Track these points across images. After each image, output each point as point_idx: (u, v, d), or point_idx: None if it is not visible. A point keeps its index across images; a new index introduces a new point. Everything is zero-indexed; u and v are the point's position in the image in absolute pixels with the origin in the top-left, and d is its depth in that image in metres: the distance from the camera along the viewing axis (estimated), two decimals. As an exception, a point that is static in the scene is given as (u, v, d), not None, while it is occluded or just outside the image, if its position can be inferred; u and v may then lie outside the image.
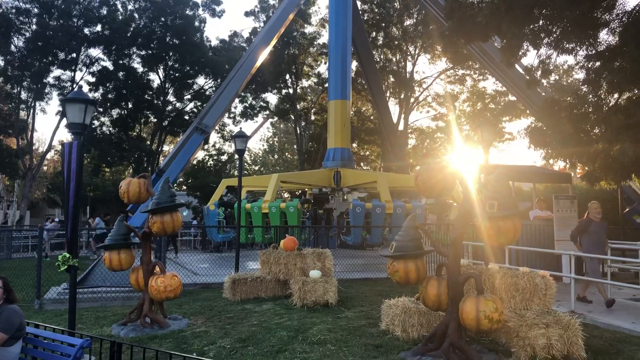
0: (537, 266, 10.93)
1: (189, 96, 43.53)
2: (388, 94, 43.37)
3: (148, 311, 8.91)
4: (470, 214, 6.64)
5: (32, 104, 36.96)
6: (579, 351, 6.60)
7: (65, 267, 7.19)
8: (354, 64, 37.44)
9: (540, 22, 11.27)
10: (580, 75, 11.74)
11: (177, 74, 41.73)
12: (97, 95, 39.63)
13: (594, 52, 11.08)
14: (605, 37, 11.35)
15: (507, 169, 13.78)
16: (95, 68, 39.70)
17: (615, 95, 11.36)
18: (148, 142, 43.40)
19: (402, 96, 44.44)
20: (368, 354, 7.01)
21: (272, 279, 11.56)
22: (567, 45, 11.37)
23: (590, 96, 11.50)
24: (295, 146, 50.63)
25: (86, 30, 38.08)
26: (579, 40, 11.06)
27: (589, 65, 11.25)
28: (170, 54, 40.79)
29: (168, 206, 8.71)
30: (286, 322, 8.94)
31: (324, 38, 43.15)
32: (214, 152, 46.94)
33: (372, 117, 45.79)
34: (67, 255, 7.21)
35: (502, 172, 6.83)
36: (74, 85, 38.19)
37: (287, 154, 59.04)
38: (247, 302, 10.99)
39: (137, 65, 41.30)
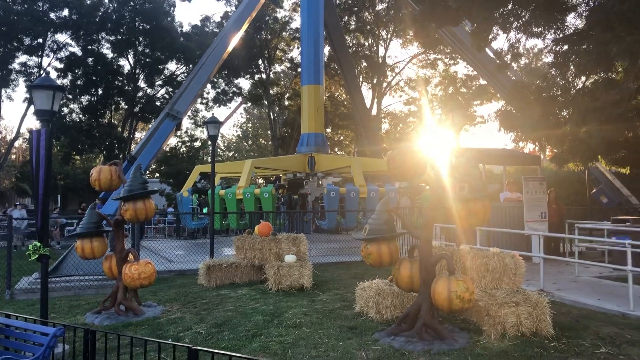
0: (507, 247, 11.17)
1: (160, 82, 42.87)
2: (361, 79, 43.42)
3: (122, 299, 8.87)
4: (442, 196, 6.76)
5: (-2, 91, 36.04)
6: (547, 328, 6.80)
7: (36, 256, 7.10)
8: (326, 49, 37.32)
9: (510, 6, 11.38)
10: (548, 58, 11.92)
11: (147, 60, 41.02)
12: (66, 81, 38.72)
13: (561, 35, 11.25)
14: (573, 21, 11.59)
15: (478, 152, 13.98)
16: (63, 54, 38.83)
17: (582, 79, 11.58)
18: (119, 129, 42.72)
19: (375, 81, 44.53)
20: (343, 335, 7.11)
21: (247, 265, 11.58)
22: (536, 29, 11.51)
23: (558, 79, 11.70)
24: (269, 132, 50.43)
25: (52, 15, 37.12)
26: (547, 24, 11.21)
27: (557, 49, 11.43)
28: (140, 39, 40.07)
29: (140, 193, 8.64)
30: (262, 307, 8.99)
31: (297, 23, 42.87)
32: (186, 139, 46.45)
33: (345, 102, 45.82)
34: (38, 244, 7.11)
35: (472, 155, 6.97)
36: (41, 72, 37.31)
37: (261, 139, 58.77)
38: (223, 287, 11.00)
39: (107, 50, 40.50)
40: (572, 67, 11.25)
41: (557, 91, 11.71)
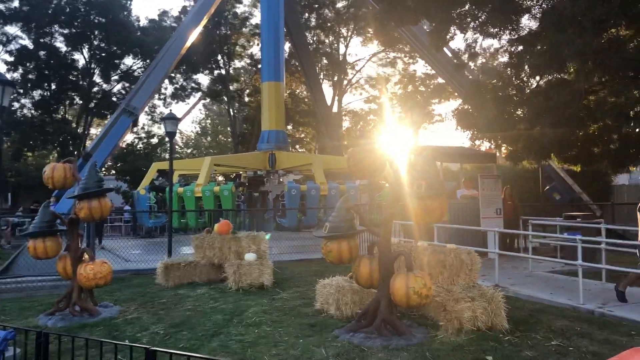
0: (464, 243, 11.37)
1: (116, 77, 41.86)
2: (322, 76, 43.49)
3: (77, 299, 8.64)
4: (400, 194, 6.84)
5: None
6: (502, 322, 6.98)
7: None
8: (287, 46, 37.24)
9: (467, 6, 11.59)
10: (504, 58, 12.20)
11: (103, 54, 39.96)
12: (16, 75, 37.34)
13: (516, 36, 11.52)
14: (527, 22, 11.87)
15: (435, 150, 14.19)
16: (13, 47, 37.44)
17: (537, 79, 11.90)
18: (74, 125, 41.54)
19: (336, 78, 44.72)
20: (303, 333, 7.12)
21: (206, 264, 11.46)
22: (492, 30, 11.75)
23: (513, 79, 11.98)
24: (228, 128, 49.97)
25: (1, 6, 35.78)
26: (503, 25, 11.45)
27: (512, 49, 11.69)
28: (96, 32, 38.95)
29: (95, 191, 8.44)
30: (221, 306, 8.92)
31: (256, 18, 42.59)
32: (143, 135, 45.55)
33: (306, 99, 45.81)
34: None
35: (430, 153, 7.06)
36: (-10, 65, 35.96)
37: (220, 136, 58.19)
38: (181, 287, 10.85)
39: (60, 44, 39.24)
40: (526, 68, 11.52)
41: (512, 91, 11.98)
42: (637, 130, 11.69)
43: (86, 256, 8.69)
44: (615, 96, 10.19)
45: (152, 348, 4.17)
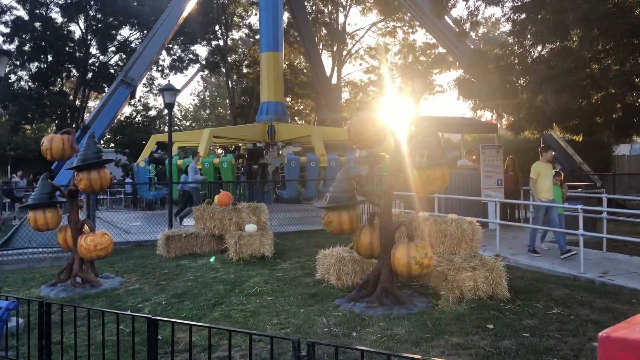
0: (464, 213, 11.36)
1: (113, 48, 41.39)
2: (321, 47, 42.99)
3: (78, 271, 8.65)
4: (401, 164, 6.79)
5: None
6: (503, 291, 7.00)
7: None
8: (285, 15, 36.70)
9: (469, -27, 11.41)
10: (506, 27, 12.04)
11: (99, 25, 39.42)
12: (12, 47, 36.88)
13: (519, 3, 11.36)
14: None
15: (436, 120, 14.09)
16: (8, 17, 36.90)
17: (539, 47, 11.76)
18: (71, 98, 41.23)
19: (335, 49, 44.23)
20: (304, 302, 7.15)
21: (207, 235, 11.47)
22: (495, -4, 11.60)
23: (516, 47, 11.86)
24: (227, 100, 49.62)
25: (-5, -24, 35.22)
26: (506, -8, 11.30)
27: (515, 17, 11.54)
28: (92, 2, 38.39)
29: (94, 162, 8.38)
30: (222, 276, 8.94)
31: (255, -12, 41.88)
32: (141, 108, 45.23)
33: (305, 71, 45.39)
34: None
35: (431, 123, 6.98)
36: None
37: (219, 108, 57.80)
38: (182, 258, 10.88)
39: (56, 15, 38.86)
40: (529, 36, 11.40)
41: (514, 60, 11.87)
42: (641, 98, 11.62)
43: (86, 227, 8.67)
44: (620, 64, 10.06)
45: (154, 317, 4.16)
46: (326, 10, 44.01)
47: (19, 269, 10.64)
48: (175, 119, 54.16)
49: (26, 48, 37.66)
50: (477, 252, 8.03)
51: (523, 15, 11.34)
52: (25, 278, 9.60)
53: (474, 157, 14.17)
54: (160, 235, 11.37)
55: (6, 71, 7.09)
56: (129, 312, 5.51)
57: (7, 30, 36.92)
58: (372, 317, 6.39)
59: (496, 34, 37.93)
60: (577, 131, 12.97)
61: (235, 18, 44.38)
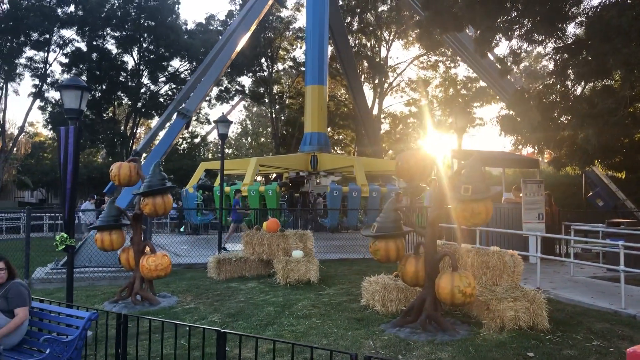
0: (506, 246, 11.56)
1: (163, 78, 43.31)
2: (362, 79, 43.82)
3: (139, 289, 9.29)
4: (445, 197, 7.19)
5: (4, 85, 36.37)
6: (543, 322, 7.25)
7: (63, 246, 7.52)
8: (329, 49, 37.72)
9: (512, 14, 11.83)
10: (549, 65, 12.36)
11: (151, 56, 41.46)
12: (69, 76, 39.01)
13: (561, 44, 11.70)
14: (573, 30, 12.02)
15: (480, 154, 14.39)
16: (68, 49, 39.31)
17: (581, 85, 12.03)
18: (121, 125, 43.05)
19: (376, 81, 44.98)
20: (351, 326, 7.55)
21: (255, 259, 12.00)
22: (537, 37, 11.96)
23: (558, 86, 12.15)
24: (269, 129, 50.77)
25: (59, 11, 37.56)
26: (548, 33, 11.66)
27: (557, 57, 11.87)
28: (145, 35, 40.48)
29: (159, 189, 9.07)
30: (272, 299, 9.42)
31: (299, 22, 43.36)
32: (187, 135, 46.79)
33: (346, 102, 46.22)
34: (65, 235, 7.54)
35: (476, 158, 7.37)
36: (47, 67, 37.72)
37: (261, 137, 59.08)
38: (232, 280, 11.43)
39: (111, 46, 40.98)
40: (571, 75, 11.69)
41: (556, 97, 12.15)
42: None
43: (148, 249, 9.31)
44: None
45: (223, 330, 4.66)
46: (369, 45, 44.96)
47: (80, 286, 11.34)
48: (217, 147, 55.54)
49: (83, 77, 39.66)
50: (518, 284, 8.29)
51: (565, 55, 11.66)
52: (88, 295, 10.30)
53: (520, 195, 14.37)
54: (211, 259, 11.97)
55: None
56: (199, 325, 6.04)
57: (67, 61, 39.08)
58: (416, 342, 6.75)
59: (538, 67, 38.03)
60: (619, 168, 13.07)
61: (280, 51, 45.79)
